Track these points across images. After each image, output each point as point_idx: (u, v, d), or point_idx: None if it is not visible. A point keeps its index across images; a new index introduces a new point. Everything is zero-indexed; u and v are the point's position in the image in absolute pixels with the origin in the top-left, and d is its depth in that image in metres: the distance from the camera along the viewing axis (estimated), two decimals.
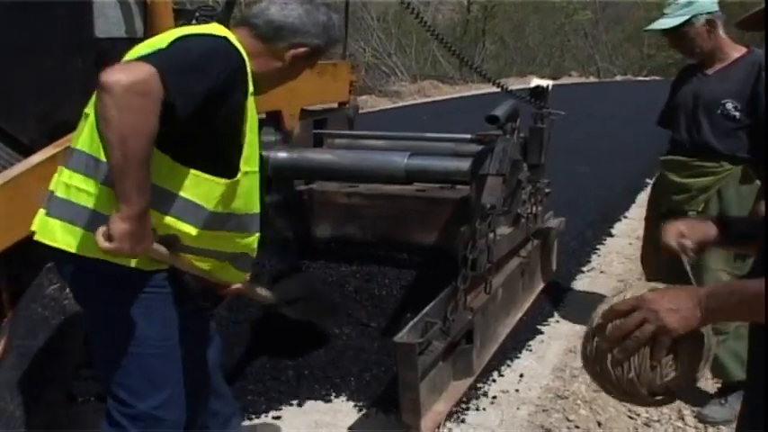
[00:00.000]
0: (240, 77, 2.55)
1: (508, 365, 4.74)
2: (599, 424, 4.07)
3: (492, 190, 4.40)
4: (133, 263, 2.51)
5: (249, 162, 2.63)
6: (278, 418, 4.07)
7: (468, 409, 4.22)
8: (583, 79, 32.88)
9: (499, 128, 4.69)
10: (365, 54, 28.63)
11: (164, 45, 2.48)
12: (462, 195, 5.03)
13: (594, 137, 14.06)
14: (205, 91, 2.38)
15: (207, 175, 2.53)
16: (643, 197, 9.38)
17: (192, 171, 2.51)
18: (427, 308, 4.05)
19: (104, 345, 2.71)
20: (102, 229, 2.28)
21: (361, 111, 19.16)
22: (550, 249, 6.10)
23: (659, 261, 4.64)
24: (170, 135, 2.39)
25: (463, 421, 4.11)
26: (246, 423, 3.90)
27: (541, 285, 5.90)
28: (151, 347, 2.66)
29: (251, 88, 2.61)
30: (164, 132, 2.31)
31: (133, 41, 3.89)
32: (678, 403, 4.22)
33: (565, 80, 31.04)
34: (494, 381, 4.54)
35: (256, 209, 2.79)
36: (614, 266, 6.84)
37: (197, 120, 2.40)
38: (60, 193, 2.55)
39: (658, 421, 4.14)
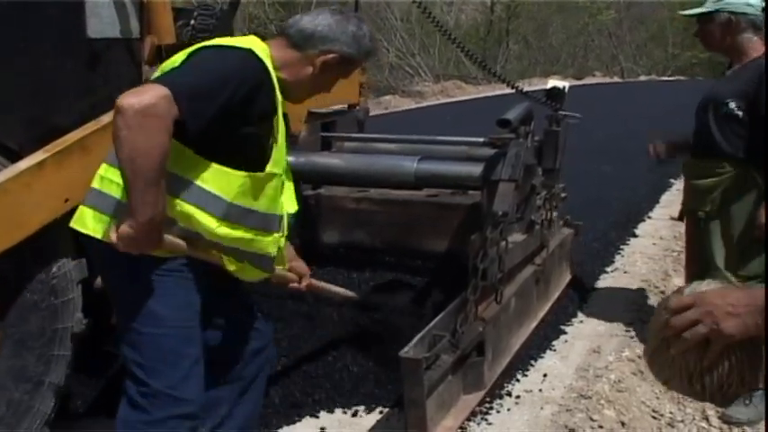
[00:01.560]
0: (262, 90, 2.70)
1: (532, 365, 4.74)
2: (623, 424, 4.06)
3: (504, 196, 4.23)
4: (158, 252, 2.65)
5: (277, 164, 2.82)
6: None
7: (491, 408, 4.21)
8: (607, 79, 32.66)
9: (512, 131, 4.52)
10: (388, 54, 28.64)
11: (181, 61, 2.67)
12: (475, 201, 4.85)
13: (618, 137, 13.92)
14: (218, 110, 2.53)
15: (227, 168, 2.66)
16: (667, 198, 9.60)
17: (214, 164, 2.65)
18: (435, 320, 3.91)
19: (124, 325, 2.80)
20: (115, 226, 2.51)
21: (384, 111, 19.31)
22: (567, 256, 5.92)
23: (693, 264, 4.76)
24: (201, 137, 2.57)
25: (487, 421, 4.11)
26: None
27: (558, 293, 5.71)
28: (167, 327, 2.76)
29: (278, 97, 2.77)
30: (198, 138, 2.55)
31: (129, 42, 3.80)
32: (702, 404, 4.19)
33: (588, 80, 31.02)
34: (517, 380, 4.55)
35: (280, 210, 2.95)
36: (638, 267, 6.80)
37: (217, 128, 2.57)
38: (95, 185, 2.72)
39: (682, 421, 4.13)
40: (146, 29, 3.82)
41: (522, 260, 4.83)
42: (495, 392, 4.33)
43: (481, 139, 4.90)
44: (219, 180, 2.66)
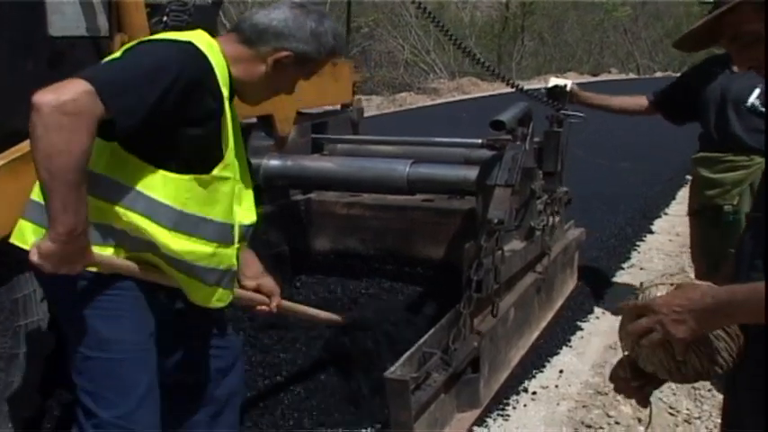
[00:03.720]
0: (203, 86, 2.46)
1: (548, 361, 4.72)
2: (639, 420, 4.04)
3: (500, 203, 3.97)
4: (94, 268, 2.45)
5: (230, 168, 2.58)
6: None
7: (507, 405, 4.18)
8: (622, 76, 32.45)
9: (509, 133, 4.27)
10: (404, 51, 28.56)
11: (116, 56, 2.49)
12: (472, 206, 4.58)
13: (634, 133, 13.93)
14: (150, 107, 2.31)
15: (174, 174, 2.46)
16: (683, 194, 9.42)
17: (160, 171, 2.45)
18: (426, 336, 3.65)
19: (73, 349, 2.58)
20: (35, 242, 2.28)
21: (399, 108, 19.31)
22: (571, 262, 5.66)
23: (701, 256, 4.79)
24: (135, 137, 2.36)
25: (503, 417, 4.07)
26: None
27: (561, 301, 5.49)
28: (118, 352, 2.54)
29: (225, 92, 2.53)
30: (132, 139, 2.36)
31: (97, 41, 3.56)
32: (719, 399, 3.98)
33: (604, 77, 30.87)
34: (533, 377, 4.51)
35: (233, 220, 2.66)
36: (654, 263, 6.79)
37: (154, 128, 2.37)
38: (34, 196, 2.51)
39: (699, 418, 4.14)
40: (116, 26, 3.59)
41: (522, 268, 4.58)
42: (511, 389, 4.31)
43: (479, 141, 4.64)
44: (167, 187, 2.45)
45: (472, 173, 4.31)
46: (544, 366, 4.65)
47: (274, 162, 4.62)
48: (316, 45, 2.65)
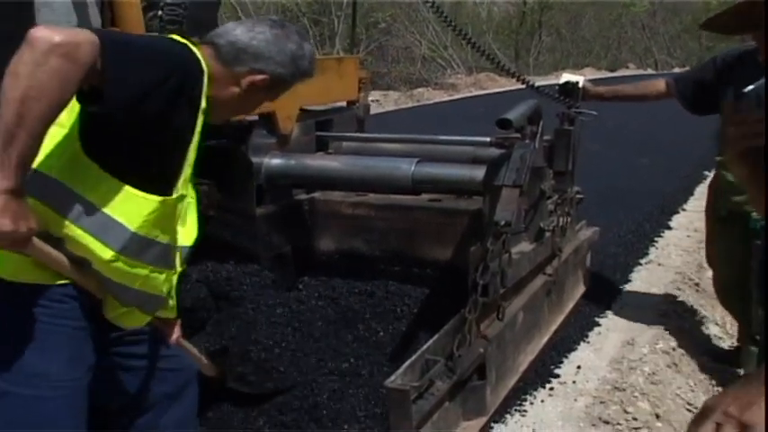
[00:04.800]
0: (192, 89, 2.31)
1: (565, 357, 4.73)
2: (657, 416, 4.05)
3: (507, 204, 3.83)
4: (30, 276, 2.23)
5: (185, 185, 2.40)
6: None
7: (525, 400, 4.18)
8: (640, 71, 32.42)
9: (517, 131, 4.12)
10: (421, 47, 28.43)
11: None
12: (480, 206, 4.42)
13: (653, 129, 14.14)
14: (146, 85, 2.13)
15: (136, 191, 2.26)
16: (701, 189, 9.55)
17: (120, 184, 2.25)
18: (429, 342, 3.51)
19: None
20: None
21: (417, 103, 19.46)
22: (583, 263, 5.52)
23: (724, 265, 4.64)
24: (102, 139, 2.19)
25: (521, 413, 4.08)
26: None
27: (572, 303, 5.34)
28: (47, 389, 2.28)
29: (203, 104, 2.36)
30: (95, 135, 2.17)
31: None
32: None
33: (622, 72, 30.85)
34: (551, 373, 4.52)
35: (177, 242, 2.52)
36: (672, 259, 6.82)
37: (134, 121, 2.17)
38: None
39: None
40: (109, 21, 3.48)
41: (531, 271, 4.44)
42: (529, 385, 4.32)
43: (487, 139, 4.50)
44: (127, 204, 2.25)
45: (479, 172, 4.17)
46: (561, 362, 4.66)
47: (276, 161, 4.48)
48: (293, 69, 2.54)
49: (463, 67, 28.71)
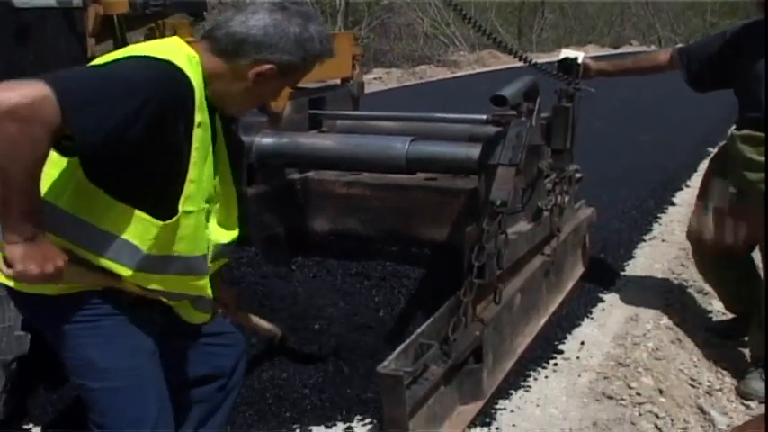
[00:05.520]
0: (178, 109, 2.20)
1: (569, 333, 4.71)
2: (660, 391, 4.06)
3: (503, 183, 3.75)
4: (75, 288, 2.28)
5: (193, 201, 2.32)
6: None
7: (529, 376, 4.16)
8: (644, 48, 32.16)
9: (513, 109, 4.02)
10: (423, 24, 28.26)
11: (91, 65, 2.27)
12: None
13: (656, 105, 14.06)
14: (115, 125, 2.03)
15: (142, 214, 2.24)
16: (705, 166, 9.20)
17: (127, 207, 2.23)
18: (423, 326, 3.45)
19: (76, 381, 2.48)
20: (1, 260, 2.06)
21: (419, 80, 19.50)
22: (583, 243, 5.46)
23: (708, 240, 4.56)
24: (100, 166, 2.16)
25: (524, 388, 4.06)
26: None
27: (572, 283, 5.25)
28: (120, 380, 2.40)
29: (199, 119, 2.26)
30: (94, 163, 2.15)
31: (68, 13, 3.35)
32: (740, 371, 4.36)
33: (625, 49, 30.73)
34: (555, 349, 4.50)
35: (202, 250, 2.46)
36: (676, 235, 6.73)
37: (122, 156, 2.13)
38: None
39: (720, 390, 4.23)
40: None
41: (529, 251, 4.36)
42: (532, 361, 4.31)
43: (484, 117, 4.41)
44: (136, 227, 2.24)
45: (475, 151, 4.08)
46: (565, 338, 4.63)
47: (268, 140, 4.39)
48: (301, 54, 2.38)
49: (466, 44, 28.51)
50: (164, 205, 2.26)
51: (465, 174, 4.38)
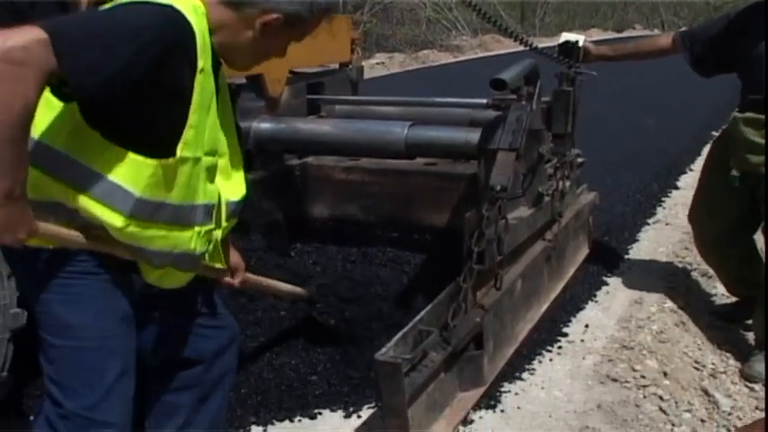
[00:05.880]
0: (180, 53, 2.16)
1: (573, 316, 4.75)
2: (665, 374, 4.08)
3: (503, 168, 3.70)
4: (45, 243, 2.24)
5: (190, 147, 2.26)
6: None
7: (533, 359, 4.18)
8: (647, 32, 32.18)
9: (513, 93, 3.98)
10: (426, 8, 28.18)
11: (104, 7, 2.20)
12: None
13: (660, 89, 14.12)
14: (115, 69, 1.98)
15: (137, 156, 2.18)
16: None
17: (121, 150, 2.18)
18: (422, 312, 3.40)
19: (39, 335, 2.41)
20: None
21: (422, 65, 19.53)
22: (585, 227, 5.40)
23: (711, 221, 4.60)
24: (100, 111, 2.08)
25: (529, 371, 4.09)
26: None
27: (574, 269, 5.21)
28: (83, 339, 2.35)
29: (201, 64, 2.21)
30: (94, 108, 2.06)
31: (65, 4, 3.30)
32: (744, 354, 4.41)
33: (628, 33, 30.77)
34: (559, 331, 4.53)
35: (199, 200, 2.39)
36: (680, 219, 6.70)
37: (120, 99, 2.05)
38: None
39: (724, 372, 4.25)
40: None
41: (530, 237, 4.31)
42: (537, 344, 4.34)
43: (484, 101, 4.36)
44: (129, 170, 2.18)
45: (474, 135, 4.04)
46: (570, 321, 4.67)
47: (265, 125, 4.35)
48: (307, 5, 2.35)
49: (468, 28, 28.46)
50: (161, 151, 2.21)
51: (465, 159, 4.34)
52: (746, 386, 4.13)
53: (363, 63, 5.18)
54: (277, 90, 4.39)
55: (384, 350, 3.09)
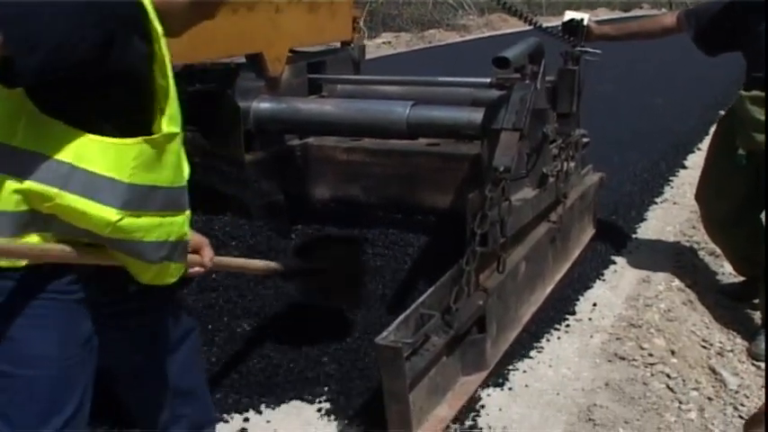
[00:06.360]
0: (132, 21, 1.96)
1: (581, 295, 4.74)
2: (672, 352, 4.08)
3: (506, 149, 3.64)
4: (22, 262, 2.00)
5: (174, 120, 2.08)
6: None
7: (541, 337, 4.17)
8: (654, 11, 32.04)
9: (517, 72, 3.91)
10: None
11: None
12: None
13: (668, 68, 14.10)
14: (60, 43, 1.78)
15: (111, 139, 1.97)
16: None
17: (93, 137, 1.95)
18: (424, 296, 3.34)
19: None
20: None
21: (428, 44, 19.50)
22: (590, 209, 5.36)
23: (717, 200, 4.57)
24: (52, 92, 1.88)
25: (537, 349, 4.08)
26: None
27: (579, 250, 5.15)
28: (43, 369, 2.11)
29: (158, 29, 2.00)
30: (44, 90, 1.86)
31: None
32: (751, 332, 4.40)
33: (636, 12, 30.69)
34: (567, 310, 4.52)
35: (182, 180, 2.20)
36: (687, 197, 6.67)
37: (76, 78, 1.88)
38: None
39: (731, 351, 4.24)
40: None
41: (534, 218, 4.25)
42: (545, 322, 4.33)
43: (488, 80, 4.29)
44: (107, 157, 1.96)
45: (477, 115, 3.97)
46: (578, 300, 4.66)
47: (265, 105, 4.28)
48: None
49: (475, 8, 28.30)
50: (134, 127, 2.02)
51: (468, 139, 4.28)
52: (753, 365, 4.11)
53: (369, 42, 5.09)
54: (277, 69, 4.32)
55: (385, 334, 3.03)
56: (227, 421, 3.38)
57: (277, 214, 4.36)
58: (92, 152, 1.95)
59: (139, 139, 1.99)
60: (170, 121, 2.05)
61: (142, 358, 2.49)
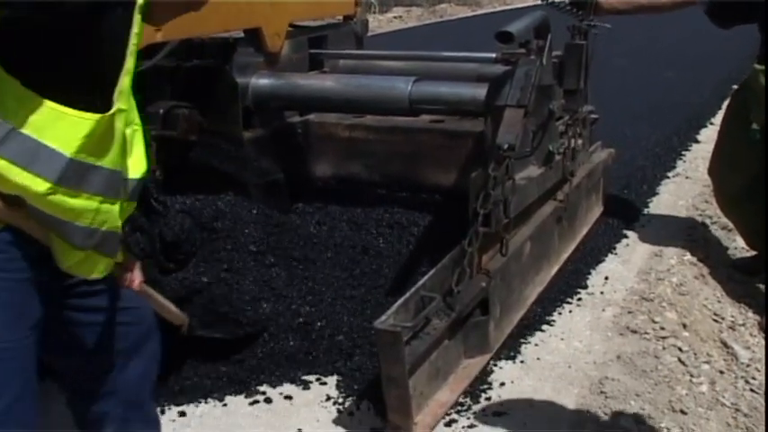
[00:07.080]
0: None
1: (593, 268, 4.74)
2: (684, 326, 4.07)
3: (510, 126, 3.55)
4: None
5: (125, 98, 2.00)
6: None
7: (553, 311, 4.18)
8: None
9: (522, 47, 3.80)
10: None
11: None
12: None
13: (681, 43, 14.03)
14: None
15: (69, 110, 1.86)
16: None
17: (49, 104, 1.84)
18: (425, 278, 3.26)
19: None
20: None
21: (440, 18, 19.41)
22: (597, 187, 5.26)
23: (730, 174, 4.55)
24: (17, 48, 1.80)
25: (549, 323, 4.07)
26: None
27: (586, 229, 5.07)
28: None
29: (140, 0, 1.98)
30: (8, 45, 1.78)
31: None
32: (762, 306, 4.38)
33: None
34: (579, 284, 4.52)
35: (124, 167, 2.09)
36: (700, 172, 6.65)
37: (46, 36, 1.81)
38: None
39: (743, 325, 4.24)
40: None
41: (540, 197, 4.16)
42: (557, 296, 4.34)
43: (492, 55, 4.19)
44: (59, 126, 1.86)
45: (481, 91, 3.88)
46: (590, 273, 4.66)
47: (264, 81, 4.19)
48: None
49: None
50: (92, 99, 1.92)
51: (472, 116, 4.18)
52: (765, 338, 4.09)
53: (381, 17, 4.99)
54: (276, 44, 4.23)
55: (384, 318, 2.95)
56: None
57: (277, 193, 4.26)
58: (43, 119, 1.85)
59: (96, 116, 1.90)
60: (121, 96, 1.98)
61: (90, 356, 2.35)
